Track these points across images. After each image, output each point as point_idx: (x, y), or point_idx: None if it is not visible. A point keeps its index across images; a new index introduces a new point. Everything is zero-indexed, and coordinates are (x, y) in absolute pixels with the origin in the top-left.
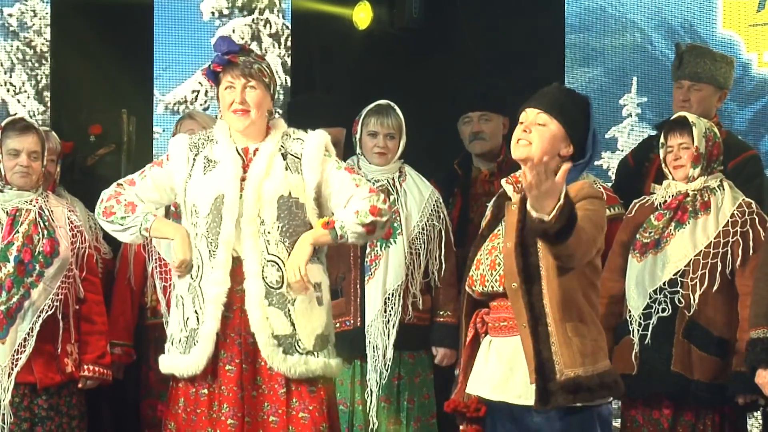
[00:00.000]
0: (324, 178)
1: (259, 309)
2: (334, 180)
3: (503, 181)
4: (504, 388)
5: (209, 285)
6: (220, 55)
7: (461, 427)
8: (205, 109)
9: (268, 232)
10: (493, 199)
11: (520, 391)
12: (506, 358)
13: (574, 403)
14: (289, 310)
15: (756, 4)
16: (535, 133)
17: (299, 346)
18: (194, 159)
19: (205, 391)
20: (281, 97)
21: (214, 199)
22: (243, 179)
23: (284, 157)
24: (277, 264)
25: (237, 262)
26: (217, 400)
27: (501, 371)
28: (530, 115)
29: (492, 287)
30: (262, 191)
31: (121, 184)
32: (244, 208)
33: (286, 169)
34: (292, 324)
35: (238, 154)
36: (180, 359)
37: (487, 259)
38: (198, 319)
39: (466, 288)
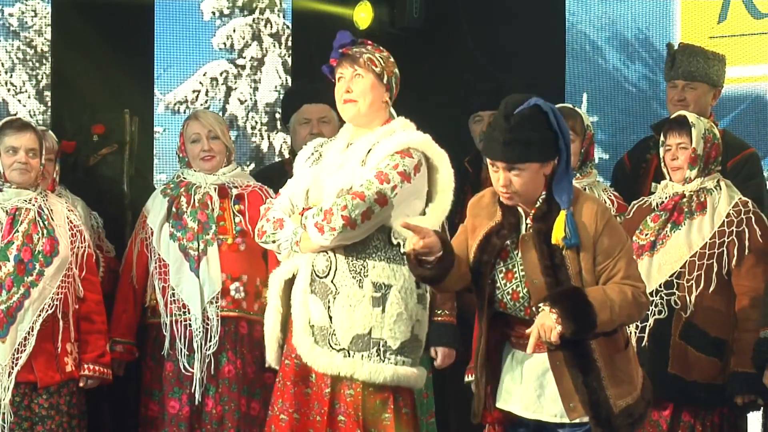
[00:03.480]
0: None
1: (301, 295)
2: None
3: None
4: (536, 407)
5: (275, 274)
6: (335, 50)
7: None
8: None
9: None
10: (488, 194)
11: (555, 410)
12: (536, 375)
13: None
14: (328, 301)
15: (717, 14)
16: (517, 183)
17: (332, 341)
18: (310, 156)
19: (279, 385)
20: (281, 97)
21: (305, 191)
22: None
23: (369, 151)
24: (328, 254)
25: None
26: (279, 395)
27: (531, 389)
28: (500, 167)
29: (516, 314)
30: (326, 184)
31: (272, 200)
32: (315, 200)
33: (361, 163)
34: (330, 316)
35: (347, 148)
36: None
37: (505, 284)
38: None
39: (487, 298)
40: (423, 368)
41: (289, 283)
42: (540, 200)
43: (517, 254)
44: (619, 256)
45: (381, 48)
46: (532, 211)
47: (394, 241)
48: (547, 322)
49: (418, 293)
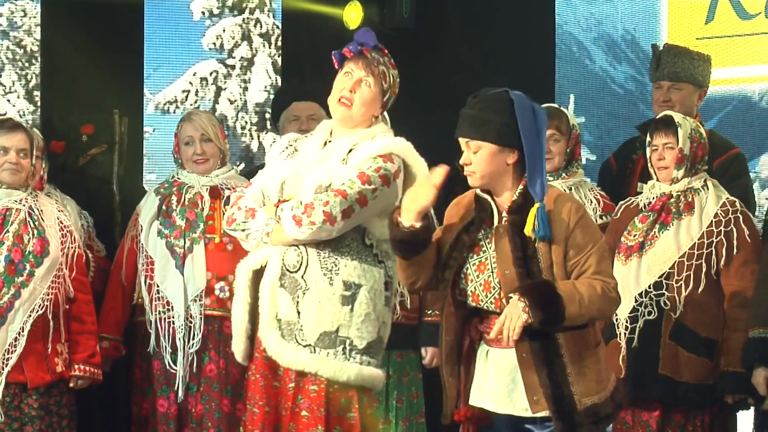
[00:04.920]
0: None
1: (270, 288)
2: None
3: (478, 190)
4: (508, 401)
5: (243, 264)
6: (356, 44)
7: None
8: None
9: None
10: (470, 196)
11: (526, 404)
12: (508, 370)
13: None
14: (297, 296)
15: (704, 15)
16: (475, 161)
17: (299, 336)
18: (285, 149)
19: (252, 378)
20: (271, 97)
21: (279, 184)
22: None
23: (350, 151)
24: (299, 248)
25: None
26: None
27: (504, 384)
28: (462, 143)
29: (487, 306)
30: (304, 178)
31: (243, 189)
32: (291, 193)
33: (342, 161)
34: (298, 312)
35: (324, 145)
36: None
37: (477, 275)
38: None
39: (458, 296)
40: (382, 371)
41: (257, 274)
42: (517, 193)
43: (491, 247)
44: (590, 252)
45: (394, 63)
46: (509, 204)
47: (367, 242)
48: (515, 311)
49: (386, 295)
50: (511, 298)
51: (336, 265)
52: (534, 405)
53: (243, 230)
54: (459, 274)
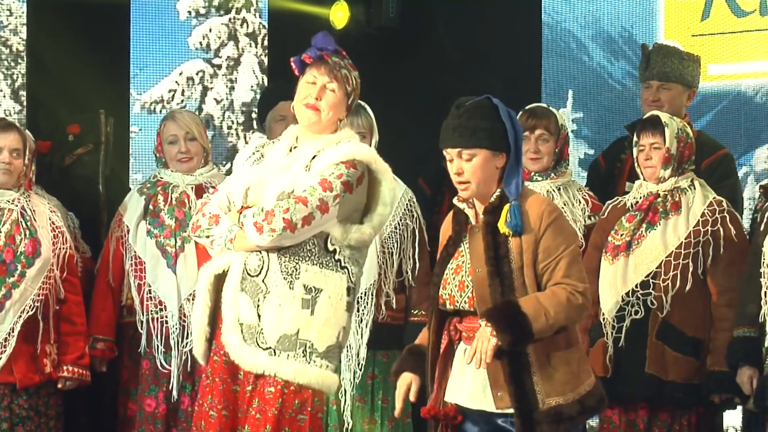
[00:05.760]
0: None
1: (232, 293)
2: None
3: (455, 200)
4: (482, 397)
5: (205, 268)
6: (315, 49)
7: None
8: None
9: None
10: (451, 213)
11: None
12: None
13: None
14: (258, 300)
15: (700, 12)
16: (468, 169)
17: (260, 340)
18: (252, 155)
19: (207, 381)
20: (257, 96)
21: (244, 190)
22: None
23: (314, 157)
24: (261, 253)
25: None
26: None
27: (479, 380)
28: (453, 154)
29: (462, 307)
30: (268, 185)
31: (209, 195)
32: (255, 199)
33: (305, 168)
34: (258, 315)
35: (290, 151)
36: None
37: (453, 278)
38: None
39: (438, 306)
40: (338, 376)
41: (219, 278)
42: (494, 196)
43: (467, 248)
44: (561, 256)
45: (354, 65)
46: (485, 205)
47: (330, 247)
48: (484, 335)
49: (348, 301)
50: (480, 324)
51: (296, 270)
52: (498, 401)
53: (207, 236)
54: (439, 283)
